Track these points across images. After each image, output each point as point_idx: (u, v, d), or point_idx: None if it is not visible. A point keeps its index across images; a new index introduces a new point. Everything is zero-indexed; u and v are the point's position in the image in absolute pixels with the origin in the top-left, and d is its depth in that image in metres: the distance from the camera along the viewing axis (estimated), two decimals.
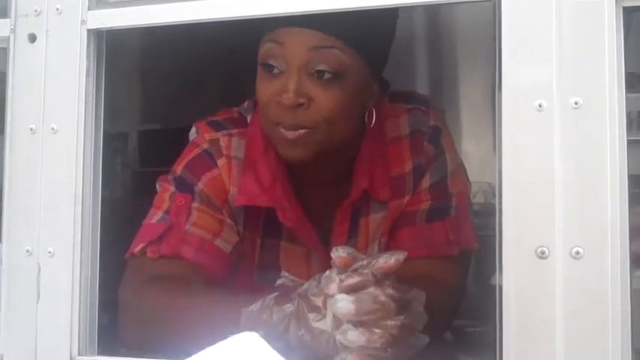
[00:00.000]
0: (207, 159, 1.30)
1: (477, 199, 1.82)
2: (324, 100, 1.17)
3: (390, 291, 0.91)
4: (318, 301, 0.95)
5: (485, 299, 0.93)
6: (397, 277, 0.94)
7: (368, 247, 1.32)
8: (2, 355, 1.03)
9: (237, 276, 1.31)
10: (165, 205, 1.27)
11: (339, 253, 0.93)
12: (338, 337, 0.91)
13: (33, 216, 1.03)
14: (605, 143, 0.79)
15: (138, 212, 1.31)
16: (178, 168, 1.30)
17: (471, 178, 1.39)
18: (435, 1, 1.19)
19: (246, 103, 1.38)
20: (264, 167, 1.29)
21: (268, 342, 0.89)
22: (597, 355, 0.78)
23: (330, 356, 0.93)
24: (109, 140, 1.07)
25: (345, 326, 0.91)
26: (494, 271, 0.84)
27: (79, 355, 1.00)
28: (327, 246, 1.29)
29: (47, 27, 1.04)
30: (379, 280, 0.91)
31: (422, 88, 2.35)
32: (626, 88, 0.80)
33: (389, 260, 0.92)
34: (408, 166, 1.31)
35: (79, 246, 1.01)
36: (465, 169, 1.37)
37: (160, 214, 1.26)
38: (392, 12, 1.27)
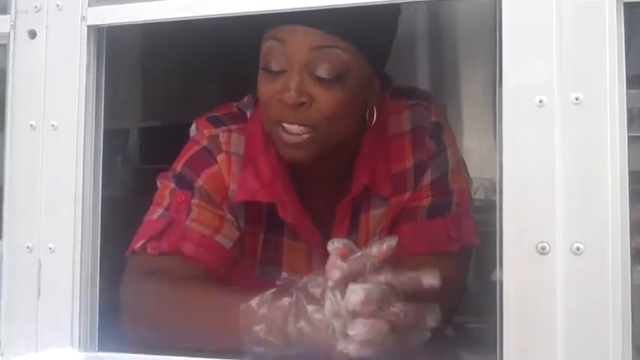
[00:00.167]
0: (207, 156, 1.30)
1: (478, 195, 1.82)
2: (326, 99, 1.17)
3: (390, 277, 0.92)
4: (317, 293, 0.96)
5: (485, 295, 0.93)
6: (398, 274, 0.95)
7: (368, 243, 1.32)
8: (3, 351, 1.03)
9: (238, 272, 1.31)
10: (166, 202, 1.27)
11: (335, 245, 0.95)
12: (338, 326, 0.92)
13: (33, 212, 1.03)
14: (605, 139, 0.79)
15: (138, 209, 1.31)
16: (178, 165, 1.31)
17: (472, 174, 1.39)
18: None
19: (245, 99, 1.38)
20: (265, 163, 1.29)
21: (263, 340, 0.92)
22: (598, 350, 0.78)
23: (330, 346, 0.94)
24: (108, 137, 1.07)
25: (345, 316, 0.91)
26: (495, 267, 0.84)
27: (79, 350, 1.00)
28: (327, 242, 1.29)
29: (47, 23, 1.04)
30: (378, 268, 0.93)
31: (423, 84, 2.35)
32: (626, 85, 0.80)
33: (381, 247, 0.95)
34: (410, 163, 1.31)
35: (80, 242, 1.01)
36: (465, 166, 1.37)
37: (160, 210, 1.26)
38: (393, 9, 1.26)
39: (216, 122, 1.34)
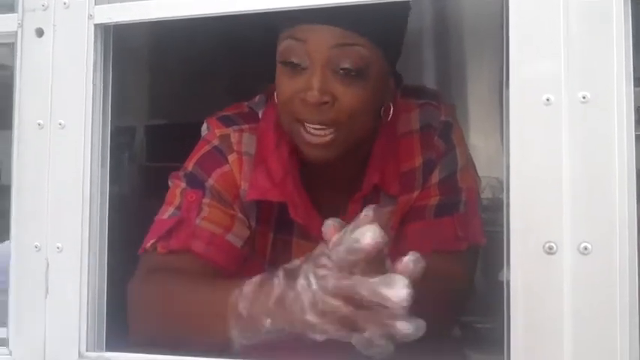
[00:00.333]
0: (218, 155, 1.31)
1: (485, 194, 1.82)
2: (347, 97, 1.17)
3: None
4: (296, 263, 0.96)
5: (492, 295, 0.93)
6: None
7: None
8: (11, 351, 1.03)
9: (248, 270, 1.31)
10: (177, 201, 1.27)
11: (330, 223, 0.94)
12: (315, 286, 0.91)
13: (41, 212, 1.03)
14: (613, 137, 0.79)
15: (145, 206, 1.31)
16: (189, 164, 1.31)
17: (479, 174, 1.38)
18: None
19: (257, 98, 1.38)
20: (276, 162, 1.29)
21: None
22: (605, 349, 0.78)
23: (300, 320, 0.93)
24: (115, 135, 1.08)
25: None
26: (502, 267, 0.83)
27: (87, 350, 1.00)
28: None
29: (54, 22, 1.04)
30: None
31: (429, 83, 2.35)
32: (634, 83, 0.80)
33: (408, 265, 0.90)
34: (418, 161, 1.31)
35: (88, 241, 1.01)
36: (474, 165, 1.37)
37: (171, 209, 1.27)
38: (404, 5, 1.26)
39: (227, 122, 1.34)
